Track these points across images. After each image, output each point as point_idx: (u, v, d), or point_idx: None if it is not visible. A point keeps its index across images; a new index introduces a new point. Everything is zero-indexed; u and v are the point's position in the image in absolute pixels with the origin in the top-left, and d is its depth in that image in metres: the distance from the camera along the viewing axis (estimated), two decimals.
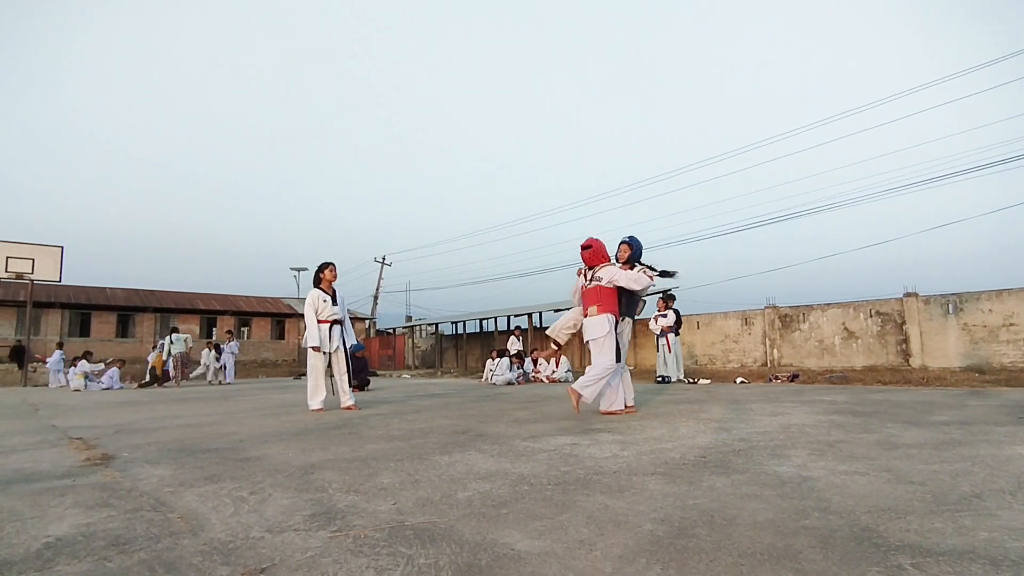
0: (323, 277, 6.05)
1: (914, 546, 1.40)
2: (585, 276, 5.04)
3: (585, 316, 4.95)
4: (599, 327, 4.80)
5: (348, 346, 6.13)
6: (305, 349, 6.08)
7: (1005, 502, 1.77)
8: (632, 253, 5.20)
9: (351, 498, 2.03)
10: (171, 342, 14.85)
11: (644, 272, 4.97)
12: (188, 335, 15.81)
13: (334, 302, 6.01)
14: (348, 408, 5.79)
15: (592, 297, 4.90)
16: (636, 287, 4.83)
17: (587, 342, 4.90)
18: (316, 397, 5.81)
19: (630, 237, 5.28)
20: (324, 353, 5.91)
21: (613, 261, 5.12)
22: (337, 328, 6.02)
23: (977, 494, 1.88)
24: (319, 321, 5.91)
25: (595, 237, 5.04)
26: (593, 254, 4.97)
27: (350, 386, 6.01)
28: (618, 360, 4.77)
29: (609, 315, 4.81)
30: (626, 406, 4.89)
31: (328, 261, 6.15)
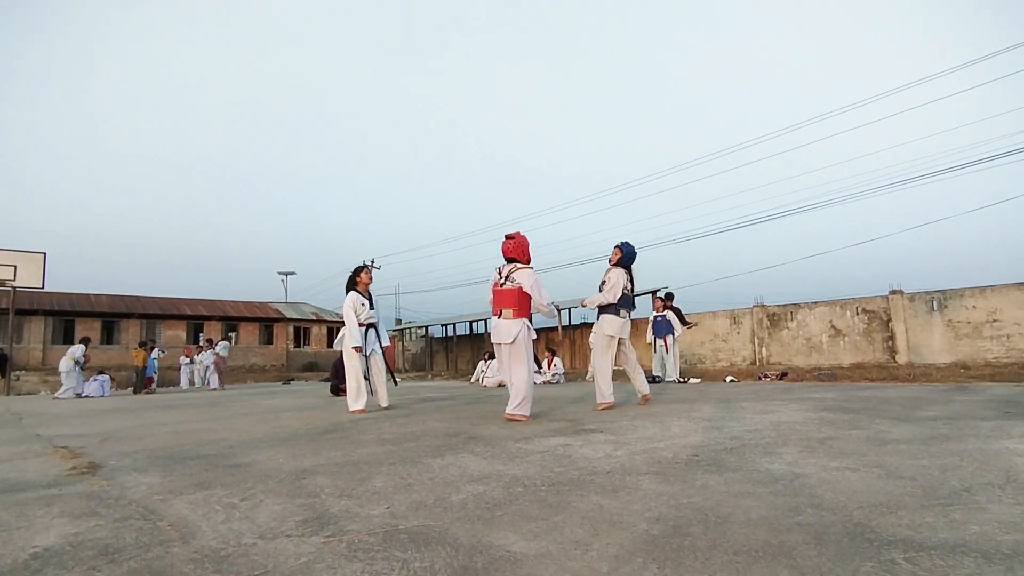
0: (360, 280, 6.09)
1: (907, 540, 1.41)
2: (500, 273, 4.76)
3: (497, 316, 4.69)
4: (517, 329, 4.59)
5: (384, 347, 6.29)
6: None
7: (994, 496, 1.79)
8: (622, 258, 5.25)
9: (344, 503, 2.01)
10: (220, 346, 17.49)
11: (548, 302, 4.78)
12: (227, 343, 18.20)
13: (371, 305, 6.10)
14: (387, 408, 6.03)
15: (510, 299, 4.65)
16: (538, 299, 4.67)
17: (498, 345, 4.68)
18: (359, 400, 5.85)
19: (623, 243, 5.31)
20: (363, 356, 5.96)
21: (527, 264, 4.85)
22: (372, 331, 6.09)
23: (966, 488, 1.90)
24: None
25: (520, 232, 4.84)
26: (515, 246, 4.74)
27: (343, 390, 6.07)
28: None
29: (526, 320, 4.65)
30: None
31: (363, 264, 6.33)
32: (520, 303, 4.64)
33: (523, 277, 4.65)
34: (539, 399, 6.94)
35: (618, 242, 5.44)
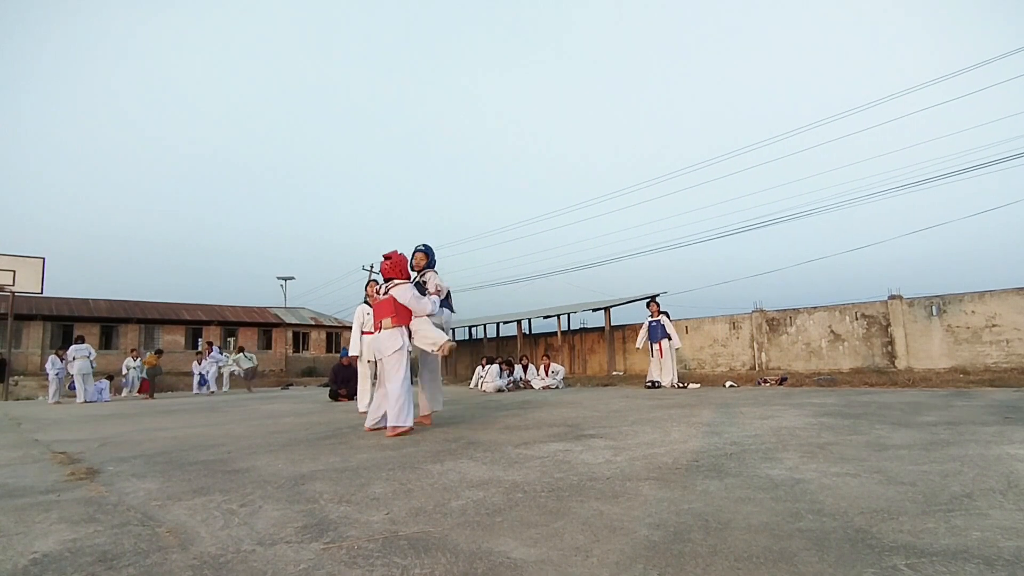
0: (367, 293, 6.77)
1: (908, 547, 1.41)
2: (379, 290, 4.91)
3: (377, 329, 4.78)
4: (393, 341, 4.64)
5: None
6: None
7: (996, 501, 1.79)
8: (428, 261, 5.14)
9: (343, 509, 2.00)
10: (246, 359, 17.56)
11: (428, 294, 4.87)
12: (253, 354, 18.68)
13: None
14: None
15: (386, 309, 4.70)
16: (417, 309, 4.70)
17: (378, 359, 4.74)
18: (362, 401, 6.55)
19: (425, 245, 5.23)
20: (368, 361, 6.53)
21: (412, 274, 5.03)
22: None
23: (968, 494, 1.89)
24: (364, 332, 6.58)
25: (398, 251, 4.94)
26: (392, 266, 4.83)
27: (342, 395, 6.10)
28: (413, 373, 4.73)
29: (404, 328, 4.71)
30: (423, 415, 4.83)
31: (370, 278, 7.16)
32: (397, 311, 4.70)
33: (398, 291, 4.73)
34: (538, 403, 6.93)
35: (419, 246, 5.30)
